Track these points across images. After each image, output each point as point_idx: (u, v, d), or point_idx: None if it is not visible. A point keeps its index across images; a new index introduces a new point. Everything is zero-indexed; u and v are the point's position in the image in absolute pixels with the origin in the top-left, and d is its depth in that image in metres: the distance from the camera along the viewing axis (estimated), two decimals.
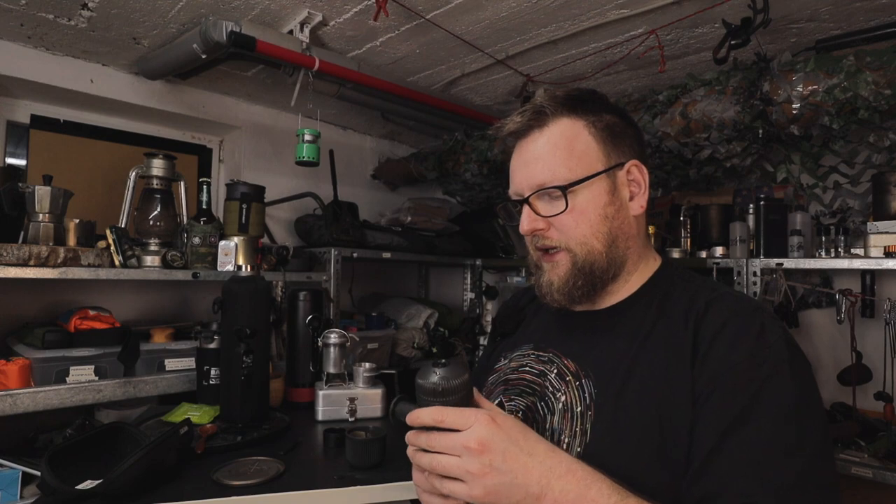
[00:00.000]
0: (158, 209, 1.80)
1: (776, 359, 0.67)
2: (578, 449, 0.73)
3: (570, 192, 0.78)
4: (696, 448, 0.66)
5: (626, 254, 0.82)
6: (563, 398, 0.78)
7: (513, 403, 0.84)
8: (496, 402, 0.86)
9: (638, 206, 0.82)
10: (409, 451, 0.68)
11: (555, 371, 0.82)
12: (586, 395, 0.76)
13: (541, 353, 0.87)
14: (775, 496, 0.61)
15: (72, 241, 1.65)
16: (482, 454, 0.61)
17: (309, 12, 1.61)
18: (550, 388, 0.81)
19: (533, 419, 0.80)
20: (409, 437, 0.67)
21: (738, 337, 0.70)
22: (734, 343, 0.69)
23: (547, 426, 0.78)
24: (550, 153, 0.80)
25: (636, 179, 0.82)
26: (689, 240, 2.14)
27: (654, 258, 0.87)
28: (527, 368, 0.87)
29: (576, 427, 0.75)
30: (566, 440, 0.75)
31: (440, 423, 0.63)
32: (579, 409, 0.76)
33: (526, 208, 0.81)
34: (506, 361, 0.93)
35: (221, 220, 1.90)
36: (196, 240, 1.81)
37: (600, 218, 0.79)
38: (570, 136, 0.80)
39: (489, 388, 0.91)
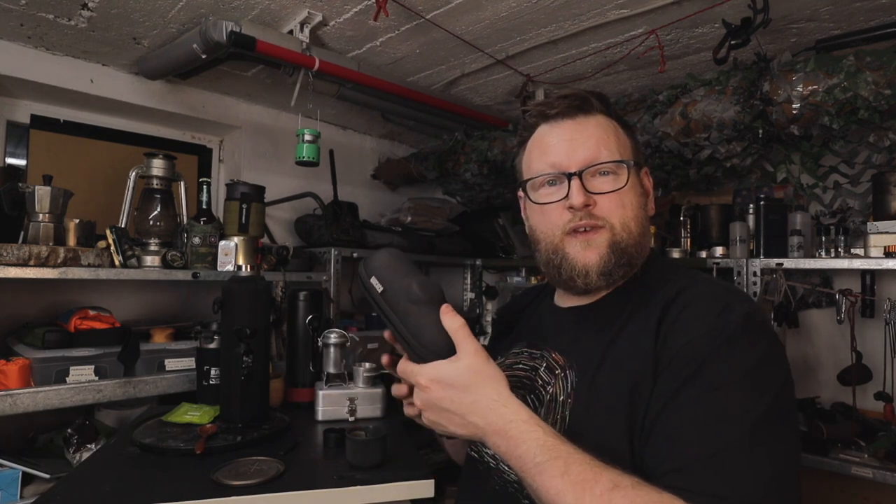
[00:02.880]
0: (158, 209, 1.80)
1: (731, 333, 0.67)
2: None
3: (631, 170, 0.82)
4: (646, 422, 0.68)
5: (647, 246, 0.85)
6: (551, 390, 0.81)
7: None
8: None
9: (650, 207, 0.88)
10: None
11: (544, 365, 0.84)
12: (569, 383, 0.79)
13: (533, 350, 0.89)
14: (704, 464, 0.60)
15: (72, 241, 1.65)
16: (424, 410, 0.73)
17: (309, 12, 1.61)
18: (540, 382, 0.83)
19: None
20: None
21: (699, 314, 0.70)
22: (695, 320, 0.70)
23: None
24: (605, 134, 0.83)
25: (646, 186, 0.88)
26: (689, 240, 2.14)
27: (647, 253, 0.89)
28: (520, 365, 0.89)
29: (557, 415, 0.77)
30: None
31: (397, 372, 0.77)
32: (562, 397, 0.78)
33: (577, 182, 0.79)
34: (501, 360, 0.95)
35: (221, 220, 1.90)
36: (196, 240, 1.81)
37: (639, 205, 0.83)
38: (613, 128, 0.85)
39: None
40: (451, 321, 0.72)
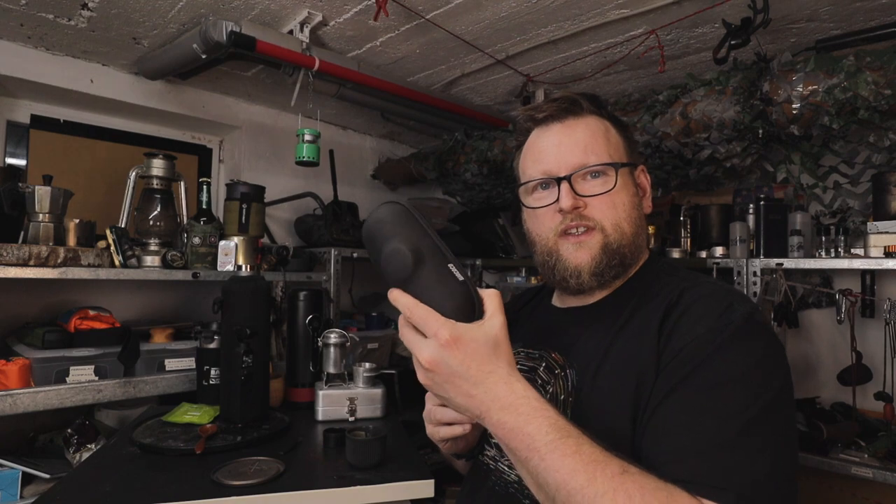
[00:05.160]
0: (158, 209, 1.80)
1: (733, 332, 0.68)
2: None
3: (619, 172, 0.82)
4: (645, 415, 0.68)
5: (642, 245, 0.86)
6: (551, 389, 0.81)
7: None
8: None
9: (646, 205, 0.89)
10: None
11: (543, 365, 0.84)
12: (569, 383, 0.79)
13: (531, 351, 0.89)
14: (702, 456, 0.61)
15: (72, 241, 1.65)
16: (428, 371, 0.62)
17: (309, 12, 1.61)
18: (539, 382, 0.83)
19: None
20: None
21: (702, 314, 0.71)
22: (697, 319, 0.71)
23: None
24: (592, 137, 0.83)
25: (642, 184, 0.89)
26: (689, 240, 2.14)
27: (646, 253, 0.89)
28: (518, 365, 0.88)
29: None
30: None
31: (407, 315, 0.62)
32: (562, 396, 0.78)
33: (566, 186, 0.81)
34: None
35: (221, 220, 1.90)
36: (196, 240, 1.81)
37: (632, 205, 0.84)
38: (604, 129, 0.85)
39: None
40: (486, 291, 0.67)
